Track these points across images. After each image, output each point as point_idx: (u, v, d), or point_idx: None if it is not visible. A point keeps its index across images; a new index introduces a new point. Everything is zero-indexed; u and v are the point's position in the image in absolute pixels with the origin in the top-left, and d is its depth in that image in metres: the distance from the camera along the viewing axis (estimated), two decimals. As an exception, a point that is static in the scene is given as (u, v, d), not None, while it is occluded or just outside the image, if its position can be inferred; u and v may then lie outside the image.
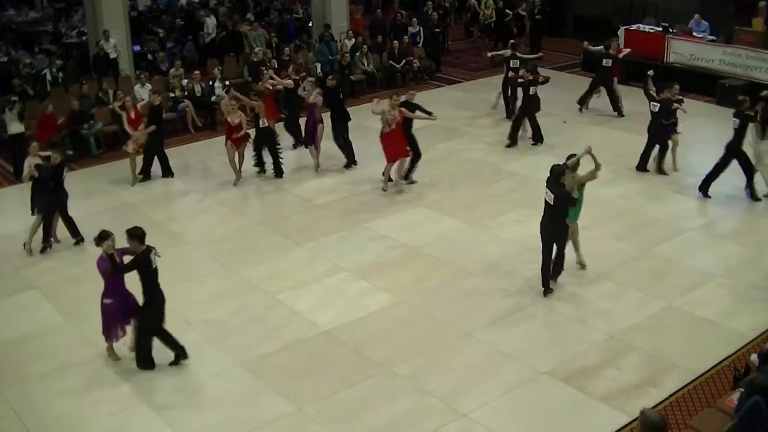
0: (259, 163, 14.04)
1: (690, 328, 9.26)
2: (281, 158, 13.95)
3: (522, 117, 15.17)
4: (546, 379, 8.39)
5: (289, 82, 15.02)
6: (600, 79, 16.88)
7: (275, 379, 8.50)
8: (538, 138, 15.17)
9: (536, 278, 10.36)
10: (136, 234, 8.39)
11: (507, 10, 22.19)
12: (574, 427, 7.73)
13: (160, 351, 8.67)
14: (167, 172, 14.20)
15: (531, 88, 14.81)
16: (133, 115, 13.76)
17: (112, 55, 17.79)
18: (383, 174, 13.31)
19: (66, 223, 11.69)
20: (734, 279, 10.28)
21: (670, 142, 13.50)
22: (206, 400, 8.22)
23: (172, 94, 16.68)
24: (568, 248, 10.15)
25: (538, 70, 15.25)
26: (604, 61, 16.57)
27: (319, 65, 18.42)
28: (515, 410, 7.95)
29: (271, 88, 14.77)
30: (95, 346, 9.14)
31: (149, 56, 19.29)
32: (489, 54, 18.48)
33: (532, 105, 15.00)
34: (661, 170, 13.55)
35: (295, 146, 15.29)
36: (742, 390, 6.49)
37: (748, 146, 12.52)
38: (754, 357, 7.81)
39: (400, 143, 12.97)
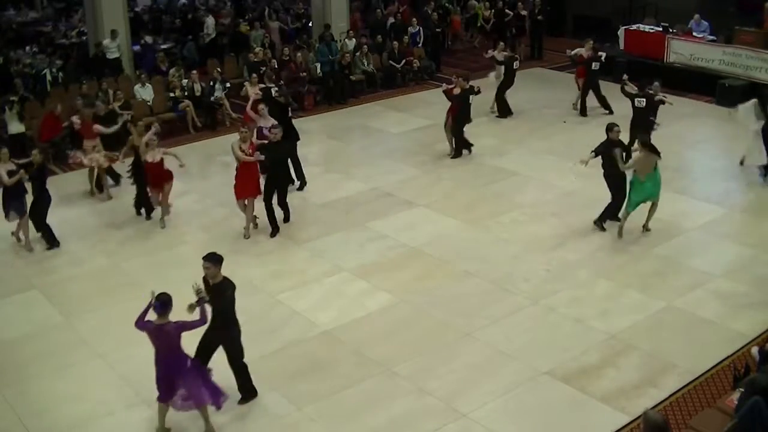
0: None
1: (690, 328, 9.26)
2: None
3: (461, 127, 14.69)
4: (546, 379, 8.39)
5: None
6: (593, 81, 16.81)
7: (275, 379, 8.49)
8: (467, 145, 14.81)
9: (536, 278, 10.39)
10: (220, 259, 7.66)
11: (507, 11, 22.19)
12: (574, 427, 7.73)
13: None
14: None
15: (471, 96, 14.54)
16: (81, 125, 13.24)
17: (115, 55, 17.84)
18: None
19: (42, 228, 11.52)
20: (734, 279, 10.27)
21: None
22: (206, 400, 8.21)
23: (172, 94, 16.69)
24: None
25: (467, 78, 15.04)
26: (593, 64, 16.52)
27: (319, 65, 18.42)
28: (515, 410, 7.95)
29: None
30: (95, 346, 9.14)
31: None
32: (486, 54, 18.38)
33: (468, 115, 14.65)
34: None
35: None
36: (742, 390, 6.49)
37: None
38: (754, 351, 7.82)
39: (251, 180, 11.54)
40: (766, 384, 6.21)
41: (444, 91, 14.91)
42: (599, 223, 11.60)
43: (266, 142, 11.87)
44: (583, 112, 16.78)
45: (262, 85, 15.10)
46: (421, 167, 14.32)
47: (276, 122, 12.59)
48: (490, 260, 10.90)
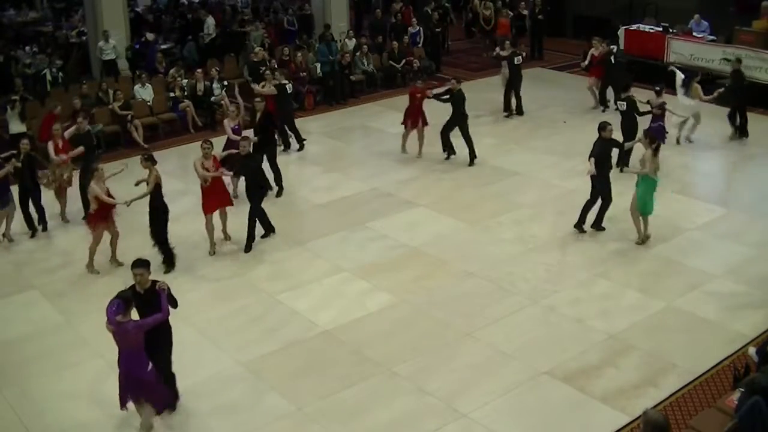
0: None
1: (690, 328, 9.26)
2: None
3: (449, 131, 14.41)
4: (546, 379, 8.39)
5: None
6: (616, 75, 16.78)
7: (275, 379, 8.50)
8: (451, 150, 14.55)
9: (536, 278, 10.39)
10: (149, 263, 7.63)
11: (507, 11, 22.17)
12: (574, 427, 7.73)
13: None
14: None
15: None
16: (60, 144, 12.09)
17: (110, 57, 17.84)
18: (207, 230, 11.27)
19: (28, 214, 11.84)
20: (734, 279, 10.27)
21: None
22: (206, 400, 8.22)
23: (172, 94, 16.69)
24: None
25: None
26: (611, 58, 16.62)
27: (319, 65, 18.42)
28: (515, 410, 7.95)
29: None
30: (95, 346, 9.14)
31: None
32: (494, 53, 18.35)
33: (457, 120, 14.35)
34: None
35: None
36: (742, 390, 6.50)
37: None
38: (752, 351, 7.83)
39: (219, 190, 11.21)
40: (766, 384, 6.22)
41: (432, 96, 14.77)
42: (597, 225, 11.56)
43: (235, 152, 11.55)
44: (604, 102, 16.92)
45: (276, 82, 14.82)
46: (421, 167, 14.31)
47: (246, 135, 12.33)
48: (490, 260, 10.91)
